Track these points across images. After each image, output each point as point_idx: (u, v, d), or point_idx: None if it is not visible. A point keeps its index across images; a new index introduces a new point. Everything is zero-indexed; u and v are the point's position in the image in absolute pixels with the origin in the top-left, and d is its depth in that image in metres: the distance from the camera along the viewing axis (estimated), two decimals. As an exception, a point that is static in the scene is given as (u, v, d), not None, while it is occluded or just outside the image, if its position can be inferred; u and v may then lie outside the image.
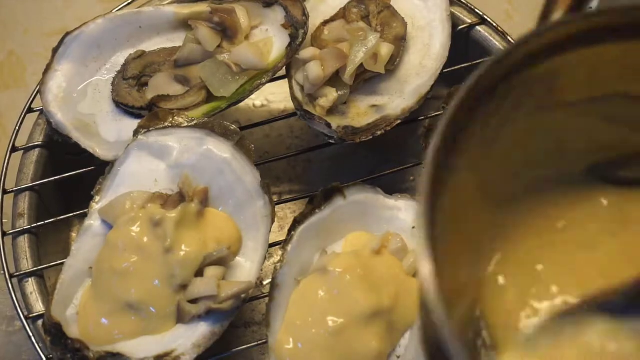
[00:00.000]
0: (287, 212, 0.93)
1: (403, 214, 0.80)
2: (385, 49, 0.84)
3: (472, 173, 0.54)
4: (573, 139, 0.58)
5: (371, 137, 0.81)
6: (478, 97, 0.51)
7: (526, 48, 0.51)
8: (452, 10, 0.90)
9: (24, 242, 0.82)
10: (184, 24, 0.88)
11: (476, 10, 0.92)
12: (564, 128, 0.57)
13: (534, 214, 0.59)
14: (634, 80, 0.55)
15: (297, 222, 0.79)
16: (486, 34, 0.91)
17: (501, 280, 0.57)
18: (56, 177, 0.85)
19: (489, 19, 0.91)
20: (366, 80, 0.86)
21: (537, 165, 0.59)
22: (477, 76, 0.50)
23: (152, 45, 0.88)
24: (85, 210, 0.79)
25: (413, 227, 0.79)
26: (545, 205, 0.59)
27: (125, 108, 0.85)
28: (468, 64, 0.88)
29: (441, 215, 0.48)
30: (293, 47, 0.83)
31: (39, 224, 0.83)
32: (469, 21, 0.91)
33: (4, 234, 0.82)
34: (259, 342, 0.78)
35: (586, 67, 0.54)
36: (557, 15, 0.54)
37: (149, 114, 0.82)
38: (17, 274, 0.80)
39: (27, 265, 0.81)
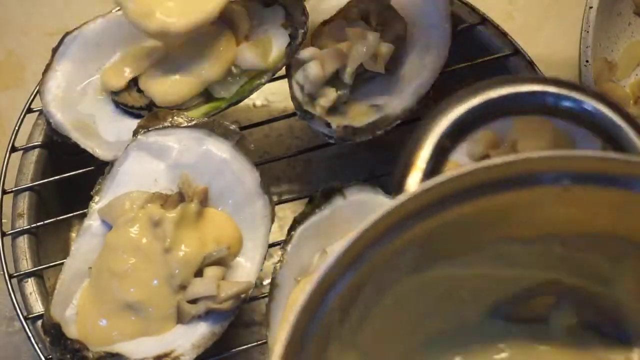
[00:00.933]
0: (287, 212, 0.93)
1: (403, 214, 0.80)
2: (385, 49, 0.84)
3: (351, 351, 0.50)
4: (462, 287, 0.54)
5: (371, 137, 0.81)
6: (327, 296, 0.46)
7: (383, 225, 0.47)
8: (453, 9, 0.90)
9: (23, 242, 0.82)
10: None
11: (476, 10, 0.91)
12: (449, 280, 0.54)
13: None
14: (510, 226, 0.52)
15: (296, 222, 0.79)
16: (486, 34, 0.91)
17: None
18: (56, 177, 0.85)
19: (489, 19, 0.91)
20: (366, 80, 0.86)
21: (427, 324, 0.54)
22: (326, 271, 0.46)
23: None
24: (85, 210, 0.79)
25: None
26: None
27: (125, 108, 0.85)
28: (468, 64, 0.88)
29: None
30: (293, 47, 0.83)
31: (38, 224, 0.83)
32: (470, 21, 0.91)
33: (4, 234, 0.82)
34: (259, 342, 0.78)
35: (459, 224, 0.50)
36: (413, 181, 0.51)
37: (149, 114, 0.82)
38: (17, 274, 0.80)
39: (26, 265, 0.81)
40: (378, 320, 0.51)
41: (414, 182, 0.51)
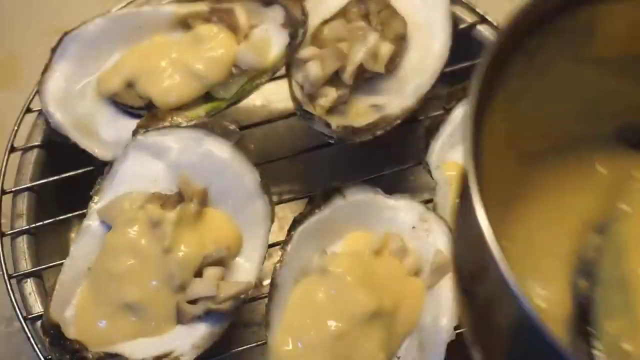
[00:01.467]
0: (287, 212, 0.93)
1: (403, 214, 0.80)
2: (385, 49, 0.84)
3: (504, 123, 0.54)
4: (605, 98, 0.58)
5: (371, 137, 0.81)
6: (515, 43, 0.51)
7: None
8: (453, 9, 0.90)
9: (22, 242, 0.82)
10: (183, 24, 0.88)
11: (477, 10, 0.91)
12: (597, 85, 0.57)
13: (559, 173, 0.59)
14: None
15: (296, 222, 0.78)
16: (487, 34, 0.91)
17: None
18: (55, 177, 0.85)
19: (489, 19, 0.91)
20: (366, 80, 0.86)
21: (565, 122, 0.58)
22: (513, 18, 0.50)
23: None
24: (84, 211, 0.79)
25: (413, 227, 0.79)
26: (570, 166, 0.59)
27: (124, 108, 0.85)
28: (468, 64, 0.88)
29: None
30: (292, 47, 0.83)
31: (37, 224, 0.83)
32: (470, 20, 0.91)
33: (3, 235, 0.82)
34: (259, 343, 0.78)
35: (626, 20, 0.53)
36: None
37: (148, 114, 0.82)
38: (16, 274, 0.80)
39: (25, 265, 0.81)
40: (536, 96, 0.55)
41: None
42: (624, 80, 0.57)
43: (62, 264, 0.77)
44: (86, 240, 0.78)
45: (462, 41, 0.90)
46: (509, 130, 0.55)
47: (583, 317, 0.57)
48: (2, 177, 0.85)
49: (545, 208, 0.59)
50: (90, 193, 0.80)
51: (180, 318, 0.74)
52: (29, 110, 0.88)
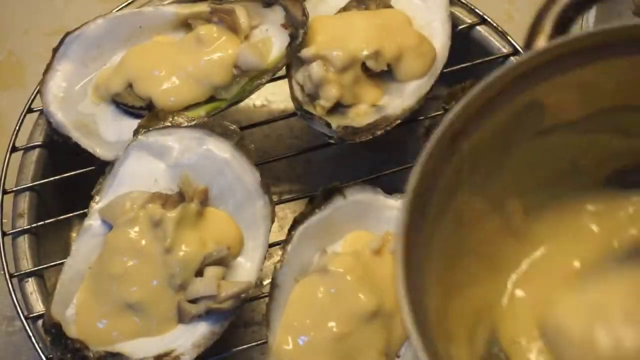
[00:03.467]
0: (287, 212, 0.93)
1: (403, 213, 0.80)
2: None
3: (477, 195, 0.53)
4: (582, 155, 0.57)
5: (371, 137, 0.81)
6: (465, 126, 0.50)
7: (511, 76, 0.50)
8: (452, 10, 0.90)
9: (23, 242, 0.82)
10: (184, 24, 0.88)
11: (476, 10, 0.92)
12: (570, 147, 0.56)
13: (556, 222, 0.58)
14: (633, 93, 0.55)
15: (297, 222, 0.79)
16: (486, 34, 0.91)
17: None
18: (56, 177, 0.85)
19: (489, 19, 0.91)
20: (367, 78, 0.86)
21: (548, 185, 0.58)
22: (461, 106, 0.49)
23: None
24: (85, 210, 0.79)
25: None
26: (566, 212, 0.58)
27: (125, 108, 0.85)
28: (468, 64, 0.88)
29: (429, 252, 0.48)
30: (293, 47, 0.83)
31: (39, 224, 0.83)
32: (469, 21, 0.91)
33: (4, 234, 0.82)
34: (259, 342, 0.78)
35: (579, 87, 0.53)
36: (541, 40, 0.54)
37: (149, 114, 0.82)
38: (17, 274, 0.80)
39: (27, 265, 0.81)
40: (504, 176, 0.54)
41: (540, 43, 0.54)
42: (596, 134, 0.56)
43: (63, 263, 0.77)
44: (87, 239, 0.78)
45: (462, 42, 0.90)
46: (486, 201, 0.55)
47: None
48: (3, 176, 0.85)
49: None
50: (91, 193, 0.80)
51: (181, 317, 0.74)
52: (30, 110, 0.88)
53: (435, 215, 0.50)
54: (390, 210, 0.80)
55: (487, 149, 0.52)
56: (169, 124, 0.81)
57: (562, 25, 0.54)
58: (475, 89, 0.49)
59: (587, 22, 0.86)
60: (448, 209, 0.51)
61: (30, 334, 0.77)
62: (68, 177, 0.85)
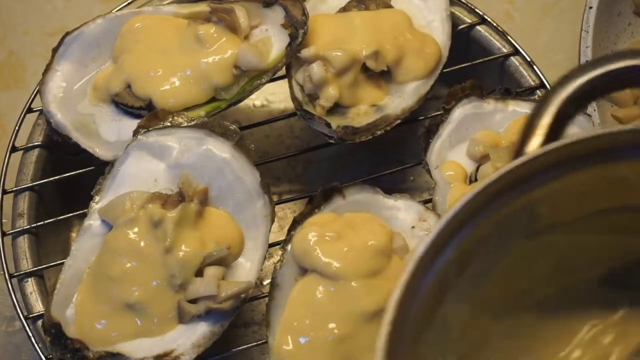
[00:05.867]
0: (287, 212, 0.93)
1: (402, 213, 0.80)
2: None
3: (465, 304, 0.52)
4: (575, 256, 0.56)
5: (371, 137, 0.81)
6: (450, 239, 0.48)
7: (503, 183, 0.49)
8: (452, 9, 0.90)
9: (23, 242, 0.82)
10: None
11: (476, 10, 0.91)
12: (562, 248, 0.55)
13: (545, 333, 0.56)
14: (632, 194, 0.53)
15: (296, 222, 0.79)
16: (486, 34, 0.91)
17: None
18: (56, 177, 0.85)
19: (489, 19, 0.91)
20: (368, 77, 0.86)
21: (541, 287, 0.56)
22: (451, 214, 0.48)
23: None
24: (85, 210, 0.79)
25: (412, 227, 0.79)
26: (556, 323, 0.56)
27: (125, 108, 0.85)
28: (468, 64, 0.89)
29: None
30: (293, 47, 0.83)
31: (38, 224, 0.83)
32: (469, 21, 0.91)
33: (4, 234, 0.82)
34: (259, 342, 0.78)
35: (576, 191, 0.51)
36: (534, 144, 0.52)
37: (149, 114, 0.82)
38: (17, 274, 0.80)
39: (26, 265, 0.81)
40: (494, 280, 0.52)
41: (534, 145, 0.52)
42: (587, 235, 0.54)
43: (63, 263, 0.77)
44: (87, 239, 0.78)
45: (462, 42, 0.90)
46: (475, 309, 0.53)
47: None
48: (3, 176, 0.85)
49: None
50: (91, 193, 0.80)
51: (181, 317, 0.74)
52: (30, 110, 0.88)
53: (419, 325, 0.49)
54: (389, 210, 0.80)
55: (475, 254, 0.51)
56: (168, 124, 0.81)
57: (561, 121, 0.52)
58: (465, 198, 0.48)
59: (588, 23, 0.86)
60: (434, 317, 0.50)
61: (30, 334, 0.77)
62: (68, 177, 0.85)
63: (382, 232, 0.77)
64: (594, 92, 0.53)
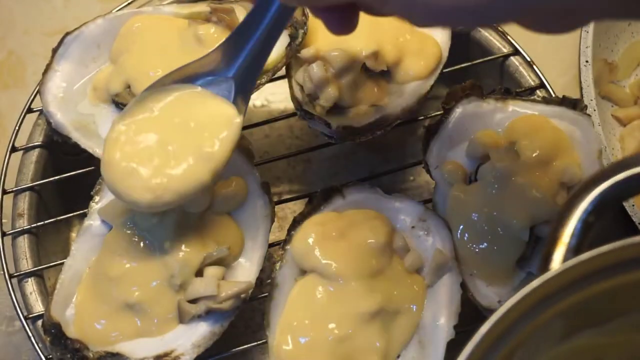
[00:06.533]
0: (287, 212, 0.93)
1: (402, 213, 0.80)
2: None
3: None
4: (606, 355, 0.56)
5: (371, 137, 0.81)
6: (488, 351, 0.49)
7: (535, 298, 0.50)
8: (452, 10, 0.90)
9: (23, 242, 0.82)
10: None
11: (476, 10, 0.91)
12: (594, 347, 0.55)
13: None
14: None
15: (296, 222, 0.79)
16: (486, 34, 0.91)
17: None
18: (56, 177, 0.85)
19: (489, 19, 0.91)
20: (369, 77, 0.86)
21: None
22: (488, 328, 0.48)
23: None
24: (85, 210, 0.79)
25: (412, 227, 0.79)
26: None
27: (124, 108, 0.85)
28: (468, 64, 0.88)
29: None
30: (293, 47, 0.83)
31: (38, 224, 0.83)
32: (469, 21, 0.91)
33: (4, 234, 0.82)
34: (259, 342, 0.78)
35: (605, 297, 0.52)
36: (561, 252, 0.53)
37: (149, 114, 0.82)
38: (17, 274, 0.80)
39: (26, 265, 0.81)
40: None
41: (558, 257, 0.53)
42: (622, 334, 0.55)
43: (62, 263, 0.77)
44: (87, 239, 0.78)
45: (462, 42, 0.90)
46: None
47: None
48: (3, 176, 0.85)
49: None
50: (91, 193, 0.80)
51: (181, 317, 0.74)
52: (30, 110, 0.88)
53: None
54: (389, 210, 0.80)
55: None
56: (168, 124, 0.81)
57: (584, 231, 0.53)
58: (494, 316, 0.49)
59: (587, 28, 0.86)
60: None
61: (30, 334, 0.77)
62: (68, 177, 0.85)
63: (382, 230, 0.77)
64: (619, 197, 0.54)
